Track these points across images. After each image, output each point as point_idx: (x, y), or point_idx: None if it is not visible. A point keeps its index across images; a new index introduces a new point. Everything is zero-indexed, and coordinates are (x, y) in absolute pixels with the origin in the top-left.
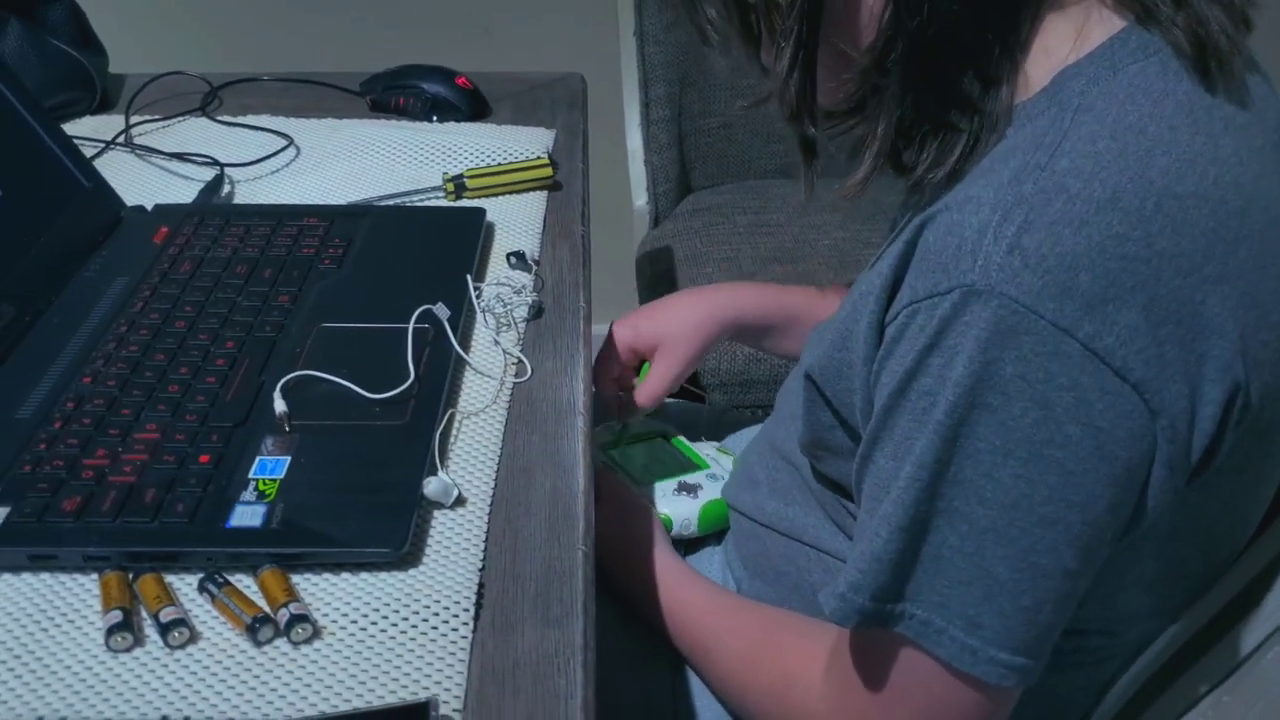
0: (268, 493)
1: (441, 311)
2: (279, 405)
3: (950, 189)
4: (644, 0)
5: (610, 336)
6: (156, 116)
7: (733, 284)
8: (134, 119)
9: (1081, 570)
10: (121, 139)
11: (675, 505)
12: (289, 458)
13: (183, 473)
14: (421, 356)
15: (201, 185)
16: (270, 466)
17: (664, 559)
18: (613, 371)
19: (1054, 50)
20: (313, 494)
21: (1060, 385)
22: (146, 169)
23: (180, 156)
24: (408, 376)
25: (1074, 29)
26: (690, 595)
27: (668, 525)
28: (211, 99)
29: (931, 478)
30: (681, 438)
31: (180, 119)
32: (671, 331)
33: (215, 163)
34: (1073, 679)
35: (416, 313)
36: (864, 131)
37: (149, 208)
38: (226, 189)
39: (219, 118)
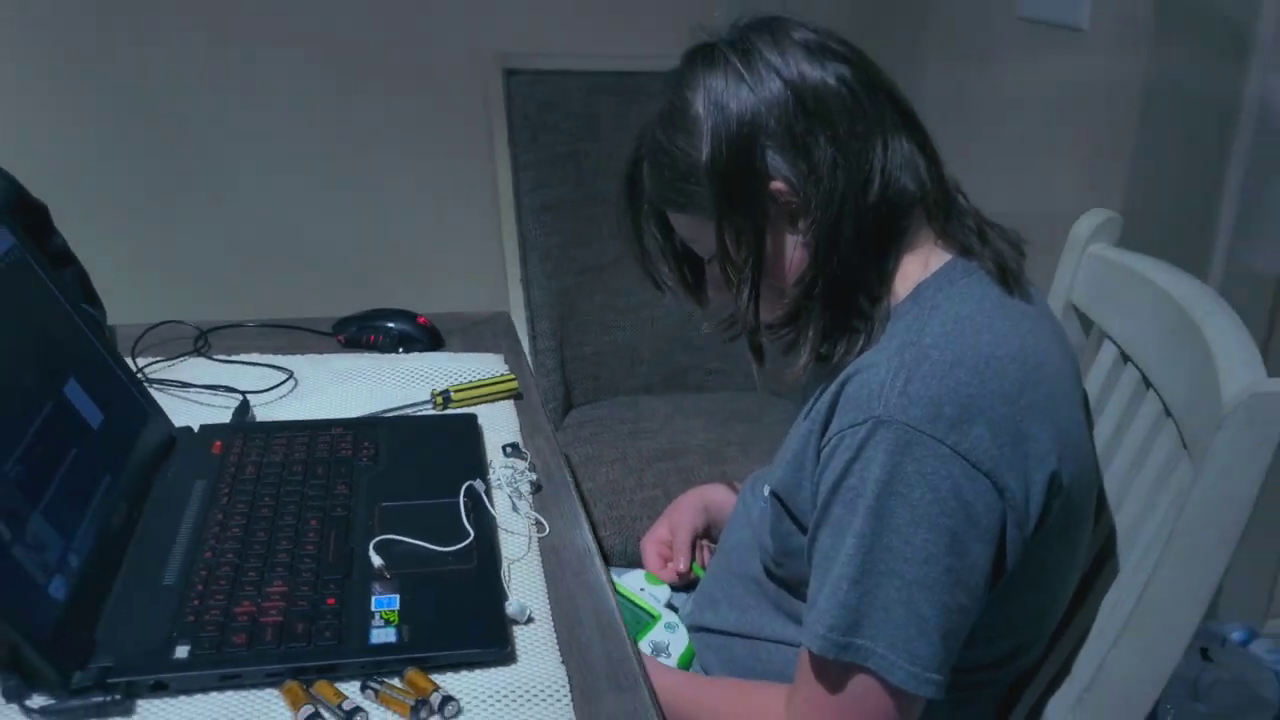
0: (392, 620)
1: (479, 486)
2: (376, 560)
3: (855, 360)
4: (527, 253)
5: (644, 545)
6: (161, 358)
7: (707, 485)
8: (140, 361)
9: (970, 606)
10: (140, 377)
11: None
12: (398, 595)
13: (317, 611)
14: (469, 521)
15: (220, 410)
16: (386, 602)
17: (647, 660)
18: (660, 563)
19: (911, 275)
20: (427, 617)
21: (942, 475)
22: (168, 400)
23: (209, 388)
24: (468, 535)
25: (923, 261)
26: (672, 678)
27: None
28: (201, 341)
29: (870, 546)
30: (617, 580)
31: (181, 359)
32: (678, 521)
33: (239, 392)
34: (973, 711)
35: (463, 488)
36: (794, 336)
37: (194, 429)
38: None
39: (215, 357)
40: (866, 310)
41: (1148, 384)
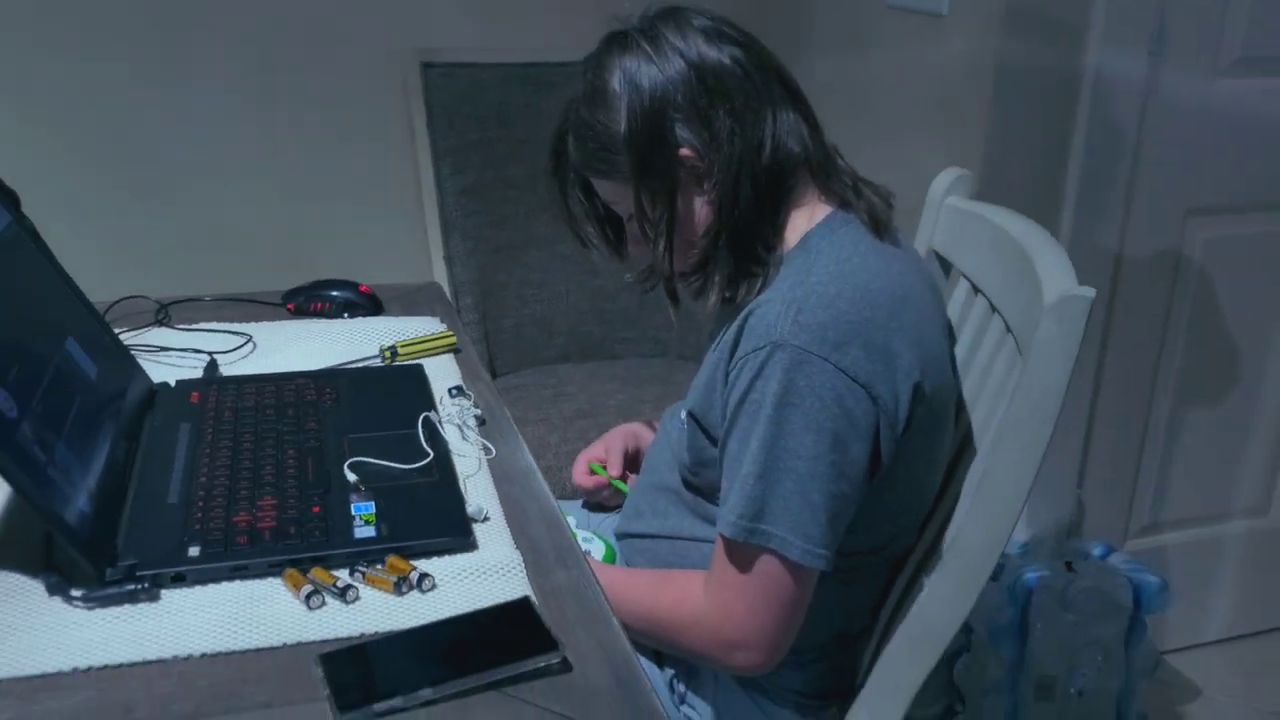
0: (370, 520)
1: (435, 417)
2: (351, 477)
3: (755, 298)
4: (449, 233)
5: (578, 459)
6: (127, 328)
7: (633, 422)
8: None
9: (851, 494)
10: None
11: None
12: (374, 502)
13: (306, 517)
14: (428, 445)
15: (188, 370)
16: (364, 508)
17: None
18: (585, 470)
19: (799, 226)
20: (400, 517)
21: (827, 388)
22: (142, 362)
23: (178, 350)
24: (428, 455)
25: (808, 214)
26: (606, 574)
27: None
28: (162, 314)
29: (770, 447)
30: None
31: (146, 329)
32: (611, 443)
33: (206, 352)
34: (856, 592)
35: (420, 419)
36: (703, 282)
37: (171, 384)
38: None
39: (177, 326)
40: (763, 257)
41: (993, 309)
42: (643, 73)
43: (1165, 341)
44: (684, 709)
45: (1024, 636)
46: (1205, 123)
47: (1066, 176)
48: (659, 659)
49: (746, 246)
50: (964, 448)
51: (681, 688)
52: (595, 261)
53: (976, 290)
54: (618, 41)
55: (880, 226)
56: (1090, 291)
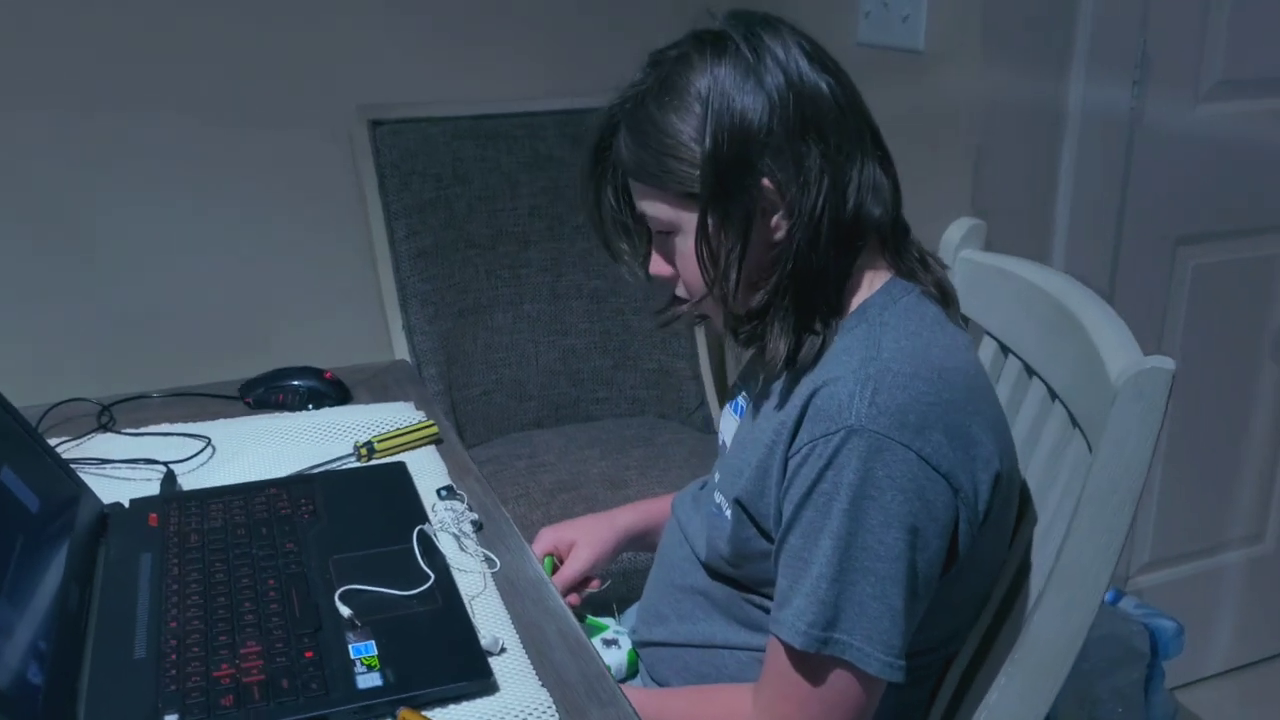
0: (373, 665)
1: (430, 529)
2: (345, 610)
3: (812, 371)
4: (408, 300)
5: (537, 537)
6: (67, 437)
7: (620, 507)
8: (48, 442)
9: (926, 596)
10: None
11: (607, 655)
12: (373, 641)
13: (298, 665)
14: (425, 563)
15: (141, 484)
16: (363, 649)
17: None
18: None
19: (859, 293)
20: (407, 659)
21: (908, 478)
22: (88, 479)
23: (128, 462)
24: (428, 577)
25: (869, 281)
26: (636, 696)
27: None
28: (105, 417)
29: (846, 546)
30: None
31: (89, 437)
32: (581, 538)
33: (161, 463)
34: (913, 694)
35: (415, 532)
36: (760, 329)
37: (125, 505)
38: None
39: (124, 431)
40: (826, 317)
41: (1030, 372)
42: (738, 85)
43: None
44: None
45: None
46: (1189, 149)
47: (1056, 209)
48: None
49: (811, 301)
50: (1016, 530)
51: None
52: (566, 321)
53: (1006, 351)
54: (711, 42)
55: (949, 299)
56: (1170, 363)
